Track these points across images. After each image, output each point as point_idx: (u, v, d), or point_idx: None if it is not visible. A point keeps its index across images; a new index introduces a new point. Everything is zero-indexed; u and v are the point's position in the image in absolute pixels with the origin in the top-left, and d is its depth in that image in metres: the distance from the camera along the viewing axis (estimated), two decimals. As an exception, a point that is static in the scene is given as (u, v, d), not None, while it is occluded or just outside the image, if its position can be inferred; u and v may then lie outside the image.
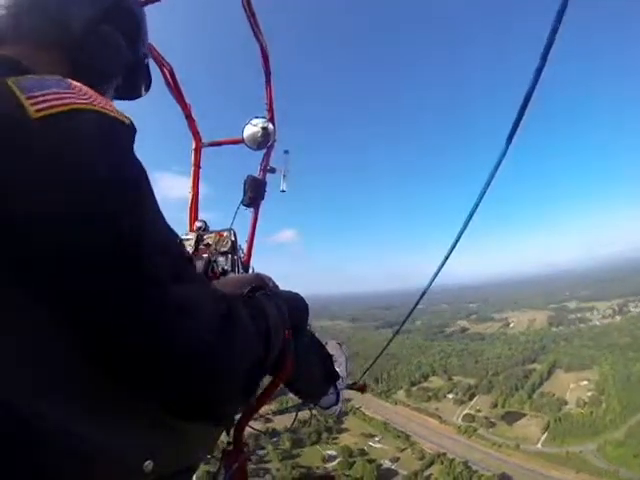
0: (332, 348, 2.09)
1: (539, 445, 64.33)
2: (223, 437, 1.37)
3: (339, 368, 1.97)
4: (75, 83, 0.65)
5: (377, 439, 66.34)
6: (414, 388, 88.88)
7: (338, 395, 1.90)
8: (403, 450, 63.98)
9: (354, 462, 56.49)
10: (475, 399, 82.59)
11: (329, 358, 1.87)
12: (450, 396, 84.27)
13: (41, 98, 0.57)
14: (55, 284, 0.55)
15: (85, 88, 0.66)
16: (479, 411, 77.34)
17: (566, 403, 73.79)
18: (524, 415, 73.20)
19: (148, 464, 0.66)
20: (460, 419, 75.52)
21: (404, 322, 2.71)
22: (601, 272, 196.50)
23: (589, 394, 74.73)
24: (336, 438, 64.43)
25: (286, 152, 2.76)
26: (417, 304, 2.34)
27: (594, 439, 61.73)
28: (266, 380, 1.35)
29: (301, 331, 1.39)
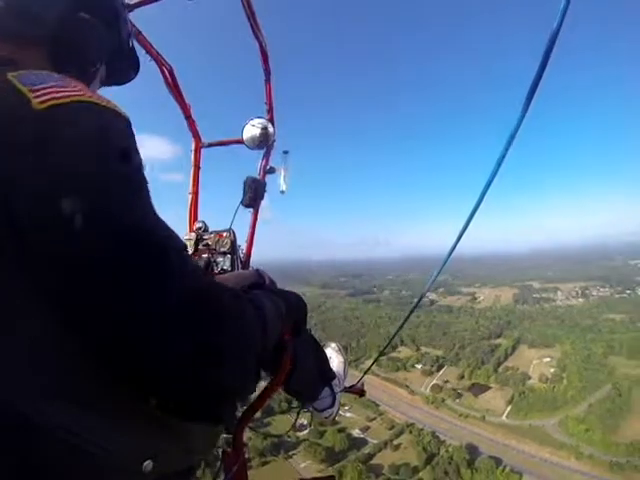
0: (330, 350, 2.14)
1: (504, 417, 65.46)
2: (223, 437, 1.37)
3: (337, 370, 1.98)
4: (69, 79, 0.67)
5: (347, 408, 64.60)
6: (383, 358, 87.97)
7: (334, 398, 1.88)
8: (373, 419, 63.45)
9: (325, 431, 55.10)
10: (443, 370, 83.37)
11: (325, 358, 1.87)
12: (418, 366, 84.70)
13: (43, 91, 0.58)
14: (55, 282, 0.55)
15: (80, 84, 0.67)
16: (446, 382, 77.97)
17: (529, 378, 75.54)
18: (489, 387, 74.46)
19: (148, 464, 0.66)
20: (428, 389, 75.73)
21: (410, 313, 2.68)
22: (566, 256, 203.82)
23: (551, 370, 76.88)
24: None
25: (285, 152, 2.72)
26: (424, 294, 2.42)
27: (556, 414, 63.39)
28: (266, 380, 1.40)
29: (299, 330, 1.42)
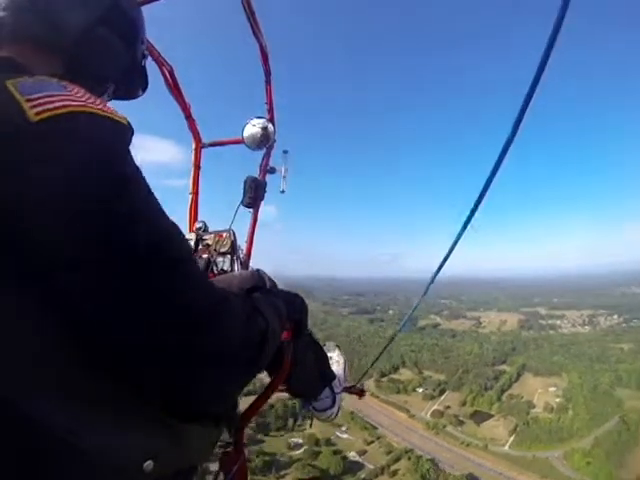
0: (330, 350, 2.14)
1: (507, 447, 63.18)
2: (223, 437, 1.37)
3: (337, 371, 2.00)
4: (71, 85, 0.66)
5: (344, 429, 63.39)
6: (384, 379, 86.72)
7: (334, 398, 1.90)
8: (370, 443, 61.52)
9: (320, 452, 53.70)
10: (444, 395, 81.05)
11: (326, 359, 1.89)
12: (420, 390, 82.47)
13: (40, 101, 0.57)
14: (56, 282, 0.56)
15: (82, 90, 0.67)
16: (448, 408, 75.65)
17: (534, 407, 73.19)
18: (492, 416, 72.09)
19: (148, 464, 0.66)
20: (429, 414, 73.62)
21: (404, 323, 2.82)
22: (573, 282, 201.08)
23: (557, 400, 74.40)
24: (302, 425, 61.11)
25: (285, 152, 2.72)
26: (418, 304, 2.40)
27: (561, 446, 61.15)
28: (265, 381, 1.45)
29: (300, 331, 1.43)
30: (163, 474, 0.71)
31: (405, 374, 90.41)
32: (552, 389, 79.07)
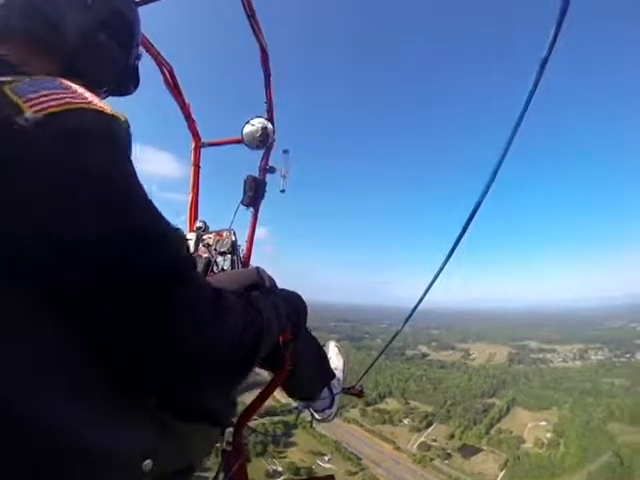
0: (331, 350, 2.17)
1: (496, 483, 59.78)
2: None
3: (337, 371, 2.00)
4: (69, 83, 0.66)
5: (326, 458, 59.83)
6: (369, 408, 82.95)
7: (333, 399, 1.90)
8: (354, 474, 57.88)
9: (300, 481, 49.95)
10: (432, 428, 77.62)
11: (325, 359, 1.89)
12: (406, 421, 79.10)
13: (37, 100, 0.57)
14: (56, 283, 0.55)
15: (79, 88, 0.67)
16: (435, 441, 72.31)
17: (524, 442, 70.24)
18: (481, 450, 69.01)
19: (147, 463, 0.66)
20: (415, 447, 70.16)
21: (387, 345, 2.72)
22: (562, 316, 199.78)
23: (548, 435, 71.78)
24: (283, 452, 57.75)
25: (285, 152, 2.74)
26: (402, 328, 2.40)
27: (553, 482, 58.05)
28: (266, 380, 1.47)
29: (299, 330, 1.44)
30: (162, 473, 0.71)
31: (391, 404, 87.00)
32: (543, 423, 76.55)
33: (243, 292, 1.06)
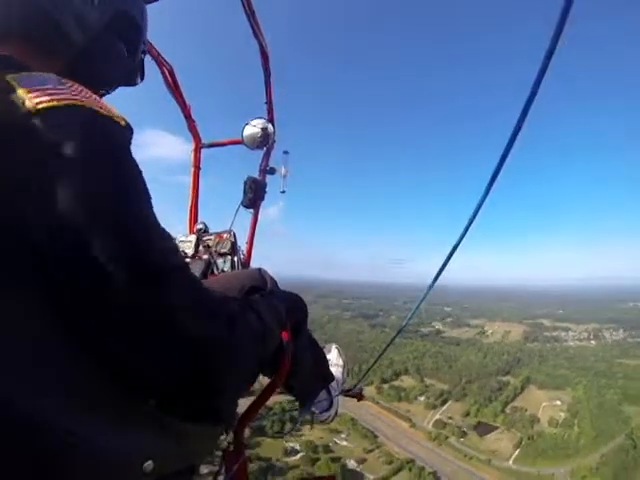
0: (330, 352, 2.17)
1: (511, 462, 60.97)
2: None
3: (336, 373, 1.99)
4: (71, 82, 0.67)
5: (343, 436, 61.22)
6: (385, 386, 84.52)
7: (331, 400, 1.90)
8: (370, 451, 59.18)
9: (318, 459, 51.58)
10: (447, 405, 78.88)
11: (325, 360, 1.89)
12: (422, 399, 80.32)
13: (40, 92, 0.58)
14: (53, 281, 0.55)
15: (81, 87, 0.67)
16: (450, 418, 73.57)
17: (538, 421, 71.14)
18: (496, 428, 70.01)
19: (149, 464, 0.67)
20: (431, 424, 71.48)
21: (403, 326, 2.57)
22: (578, 295, 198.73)
23: (562, 415, 72.51)
24: (299, 430, 59.39)
25: (286, 153, 2.71)
26: (417, 307, 2.21)
27: (566, 462, 59.20)
28: (265, 381, 1.48)
29: (299, 332, 1.43)
30: (163, 474, 0.71)
31: (407, 381, 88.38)
32: (557, 403, 77.39)
33: (244, 294, 1.07)
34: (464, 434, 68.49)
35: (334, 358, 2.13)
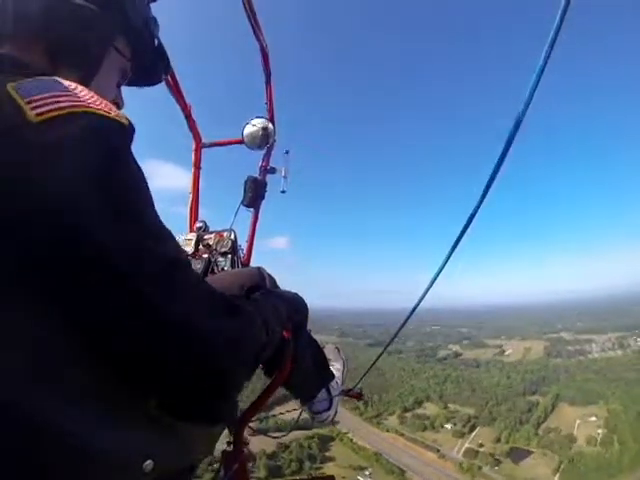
0: (329, 352, 2.16)
1: (553, 488, 56.24)
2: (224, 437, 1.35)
3: (336, 373, 2.01)
4: (72, 84, 0.66)
5: (367, 473, 56.97)
6: (408, 414, 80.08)
7: (331, 400, 1.90)
8: (398, 489, 54.69)
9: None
10: (476, 431, 74.04)
11: (324, 360, 1.90)
12: (448, 426, 75.55)
13: (40, 102, 0.57)
14: (55, 282, 0.56)
15: (84, 89, 0.66)
16: (481, 445, 68.67)
17: (575, 440, 66.08)
18: (531, 452, 65.11)
19: (148, 464, 0.67)
20: (461, 454, 66.62)
21: (390, 342, 2.68)
22: (592, 305, 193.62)
23: (599, 431, 67.43)
24: (320, 468, 54.85)
25: (286, 152, 2.73)
26: (404, 324, 2.33)
27: (613, 483, 54.28)
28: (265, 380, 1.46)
29: (300, 331, 1.45)
30: (163, 473, 0.71)
31: (430, 408, 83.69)
32: (592, 419, 72.15)
33: (244, 293, 1.07)
34: (498, 462, 63.66)
35: (333, 358, 2.11)
